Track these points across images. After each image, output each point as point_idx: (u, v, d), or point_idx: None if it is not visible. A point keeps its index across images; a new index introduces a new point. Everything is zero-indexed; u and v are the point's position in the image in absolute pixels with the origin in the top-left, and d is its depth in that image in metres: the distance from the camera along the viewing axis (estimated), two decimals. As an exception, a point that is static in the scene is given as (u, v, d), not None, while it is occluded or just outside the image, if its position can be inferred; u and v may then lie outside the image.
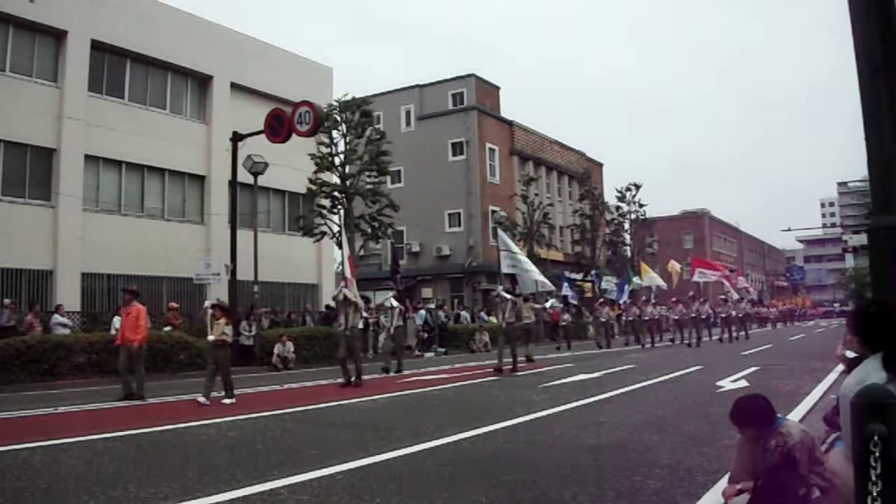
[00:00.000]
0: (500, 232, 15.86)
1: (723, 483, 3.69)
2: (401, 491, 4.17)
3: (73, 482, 4.65)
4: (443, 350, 22.25)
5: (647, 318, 23.10)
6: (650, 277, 27.88)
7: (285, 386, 11.80)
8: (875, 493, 2.07)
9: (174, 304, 18.03)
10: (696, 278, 25.77)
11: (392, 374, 13.61)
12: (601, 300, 27.21)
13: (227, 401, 9.12)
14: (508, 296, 13.84)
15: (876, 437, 2.07)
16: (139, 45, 20.08)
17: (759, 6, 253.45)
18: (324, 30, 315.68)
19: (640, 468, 4.63)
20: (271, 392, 10.99)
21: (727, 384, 9.81)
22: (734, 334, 23.81)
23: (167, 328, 16.46)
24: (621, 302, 27.95)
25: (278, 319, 20.82)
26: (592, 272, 35.73)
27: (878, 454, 2.07)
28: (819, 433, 3.68)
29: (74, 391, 11.35)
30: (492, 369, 13.22)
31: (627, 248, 40.76)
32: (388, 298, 15.27)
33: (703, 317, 22.86)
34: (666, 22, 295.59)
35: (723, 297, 25.40)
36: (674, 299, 24.92)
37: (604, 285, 34.08)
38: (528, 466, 4.84)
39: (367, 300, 25.61)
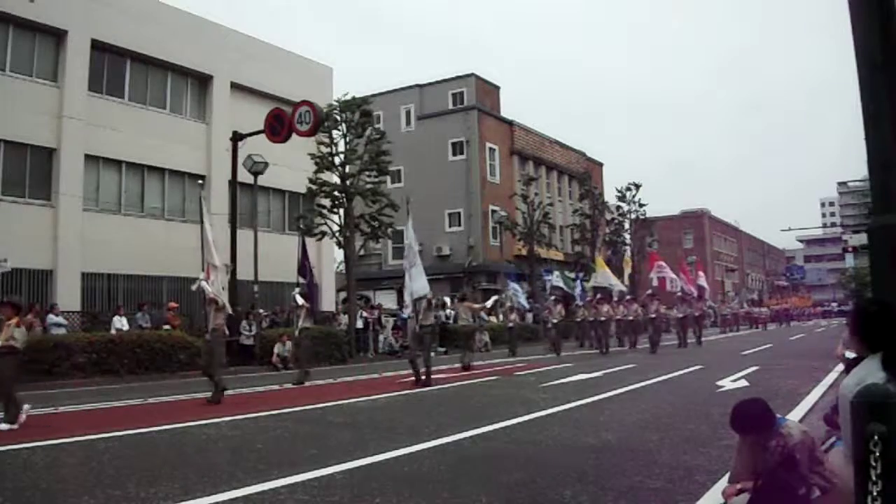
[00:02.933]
0: (408, 220, 13.27)
1: (723, 483, 3.69)
2: (400, 491, 4.17)
3: (73, 482, 4.66)
4: (443, 350, 22.23)
5: (603, 319, 19.92)
6: (604, 274, 24.62)
7: (285, 386, 11.79)
8: (875, 493, 2.07)
9: (174, 304, 18.04)
10: (653, 274, 23.66)
11: (297, 384, 11.79)
12: (553, 298, 24.26)
13: (1, 426, 6.89)
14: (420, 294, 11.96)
15: (876, 437, 2.07)
16: (139, 45, 20.08)
17: (759, 6, 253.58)
18: (324, 30, 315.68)
19: (640, 468, 4.63)
20: (271, 392, 10.99)
21: (727, 384, 9.81)
22: (689, 338, 21.15)
23: (166, 327, 16.46)
24: (580, 301, 24.53)
25: (278, 320, 20.81)
26: (543, 269, 32.79)
27: (878, 454, 2.07)
28: (819, 433, 3.68)
29: (74, 391, 11.34)
30: (413, 379, 11.16)
31: (627, 247, 40.72)
32: (294, 295, 13.18)
33: (664, 318, 20.64)
34: (666, 22, 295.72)
35: (679, 294, 22.95)
36: (629, 298, 22.69)
37: (555, 282, 30.25)
38: (528, 466, 4.84)
39: (366, 300, 25.71)
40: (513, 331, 20.98)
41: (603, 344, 19.26)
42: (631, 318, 21.02)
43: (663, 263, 24.88)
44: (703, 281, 29.49)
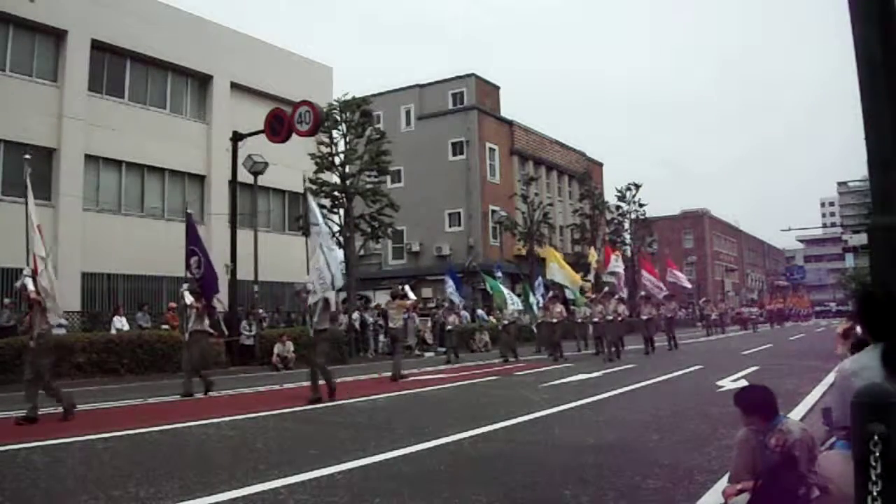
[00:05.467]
0: (309, 198, 11.43)
1: (723, 483, 3.69)
2: (401, 491, 4.17)
3: (73, 482, 4.65)
4: (443, 350, 22.23)
5: (554, 321, 17.18)
6: (555, 269, 20.88)
7: (285, 386, 11.79)
8: (875, 493, 2.06)
9: (174, 304, 18.02)
10: (611, 269, 20.30)
11: (187, 395, 9.99)
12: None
13: None
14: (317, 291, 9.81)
15: (876, 437, 2.07)
16: (139, 45, 20.09)
17: (760, 6, 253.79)
18: (324, 30, 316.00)
19: (640, 468, 4.63)
20: (271, 392, 10.98)
21: (727, 384, 9.81)
22: (655, 344, 18.41)
23: (165, 327, 16.47)
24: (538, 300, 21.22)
25: (280, 319, 20.84)
26: (494, 265, 28.91)
27: (878, 454, 2.06)
28: (819, 433, 3.68)
29: (74, 391, 11.32)
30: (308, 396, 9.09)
31: (627, 247, 40.74)
32: (182, 293, 11.08)
33: (621, 319, 17.64)
34: (666, 22, 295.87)
35: (644, 294, 20.37)
36: (591, 297, 19.91)
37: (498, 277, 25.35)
38: (528, 466, 4.84)
39: (367, 300, 25.69)
40: (451, 333, 18.35)
41: (557, 349, 16.75)
42: (596, 319, 18.03)
43: (615, 257, 21.52)
44: (676, 278, 25.50)
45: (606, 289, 19.41)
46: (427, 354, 21.22)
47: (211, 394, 10.26)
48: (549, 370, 13.56)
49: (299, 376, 13.88)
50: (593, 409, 7.84)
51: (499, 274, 24.78)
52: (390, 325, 13.32)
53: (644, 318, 19.10)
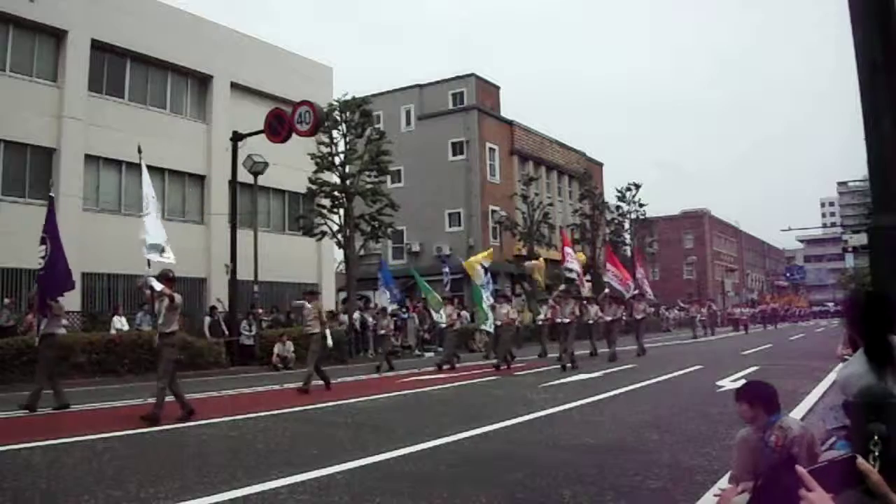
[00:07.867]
0: (142, 164, 9.72)
1: (723, 483, 3.69)
2: (400, 491, 4.17)
3: (73, 482, 4.65)
4: (442, 349, 22.20)
5: (499, 324, 15.55)
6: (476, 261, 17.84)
7: (285, 386, 11.79)
8: (875, 493, 2.06)
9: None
10: (567, 266, 18.10)
11: (25, 406, 8.62)
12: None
13: None
14: (160, 286, 8.15)
15: (876, 437, 2.07)
16: (139, 45, 20.08)
17: (760, 6, 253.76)
18: (324, 30, 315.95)
19: (640, 468, 4.63)
20: (271, 392, 10.99)
21: (727, 384, 9.81)
22: (615, 347, 16.19)
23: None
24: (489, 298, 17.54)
25: (280, 319, 20.84)
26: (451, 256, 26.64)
27: (877, 454, 2.07)
28: (819, 433, 3.68)
29: (74, 391, 11.33)
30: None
31: (627, 247, 40.75)
32: (33, 294, 9.31)
33: (590, 322, 16.54)
34: (666, 23, 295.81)
35: (607, 292, 18.84)
36: (557, 295, 17.00)
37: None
38: (528, 466, 4.84)
39: (366, 300, 25.69)
40: (384, 339, 16.50)
41: (500, 354, 14.78)
42: (559, 320, 15.72)
43: (570, 251, 18.76)
44: (640, 275, 22.02)
45: (563, 287, 17.43)
46: (427, 354, 21.22)
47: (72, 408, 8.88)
48: (549, 370, 13.55)
49: (299, 376, 13.88)
50: (593, 409, 7.83)
51: (445, 269, 23.83)
52: (304, 328, 11.14)
53: (608, 319, 17.12)
